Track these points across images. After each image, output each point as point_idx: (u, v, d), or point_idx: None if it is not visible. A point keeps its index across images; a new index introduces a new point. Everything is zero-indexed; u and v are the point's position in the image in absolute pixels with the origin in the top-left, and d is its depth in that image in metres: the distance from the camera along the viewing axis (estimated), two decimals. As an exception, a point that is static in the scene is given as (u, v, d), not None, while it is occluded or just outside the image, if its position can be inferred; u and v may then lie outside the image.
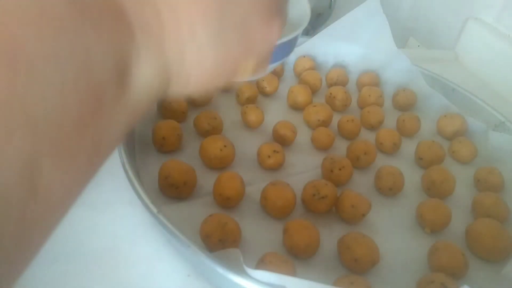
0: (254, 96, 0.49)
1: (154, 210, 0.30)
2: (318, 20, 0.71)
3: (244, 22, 0.19)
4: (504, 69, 0.63)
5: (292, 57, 0.58)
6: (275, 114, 0.49)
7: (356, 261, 0.32)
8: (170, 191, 0.35)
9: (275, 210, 0.35)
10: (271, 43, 0.21)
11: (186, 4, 0.17)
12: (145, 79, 0.16)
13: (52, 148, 0.12)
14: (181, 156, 0.41)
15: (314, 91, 0.53)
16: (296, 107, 0.51)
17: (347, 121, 0.47)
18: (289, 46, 0.31)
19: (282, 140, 0.44)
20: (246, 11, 0.18)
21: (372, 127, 0.50)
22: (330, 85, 0.56)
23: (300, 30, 0.31)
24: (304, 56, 0.57)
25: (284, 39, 0.29)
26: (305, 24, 0.32)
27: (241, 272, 0.26)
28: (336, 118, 0.49)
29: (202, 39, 0.18)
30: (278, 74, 0.55)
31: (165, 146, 0.40)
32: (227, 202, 0.35)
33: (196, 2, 0.17)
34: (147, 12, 0.16)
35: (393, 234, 0.37)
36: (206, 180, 0.38)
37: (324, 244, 0.34)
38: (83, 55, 0.13)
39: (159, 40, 0.16)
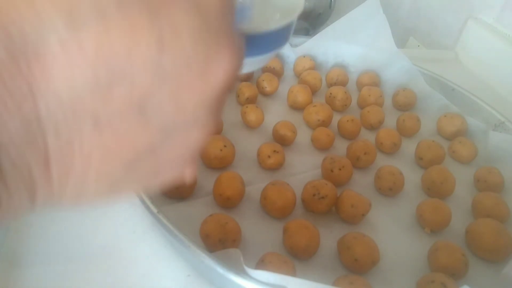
0: (254, 96, 0.49)
1: (154, 210, 0.30)
2: (318, 20, 0.71)
3: (151, 176, 0.16)
4: (504, 69, 0.63)
5: (292, 57, 0.59)
6: (275, 114, 0.49)
7: (356, 261, 0.32)
8: (170, 191, 0.35)
9: (275, 210, 0.35)
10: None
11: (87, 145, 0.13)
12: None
13: None
14: (181, 156, 0.41)
15: (314, 91, 0.53)
16: (296, 107, 0.51)
17: (347, 121, 0.47)
18: (284, 34, 0.30)
19: (282, 140, 0.44)
20: (159, 167, 0.15)
21: (372, 127, 0.50)
22: (330, 85, 0.56)
23: (294, 17, 0.30)
24: (304, 56, 0.57)
25: (277, 27, 0.28)
26: (299, 10, 0.31)
27: (241, 272, 0.26)
28: (336, 118, 0.49)
29: (88, 192, 0.14)
30: (278, 74, 0.55)
31: (165, 146, 0.40)
32: (227, 202, 0.35)
33: (102, 145, 0.13)
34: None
35: (393, 234, 0.37)
36: (206, 180, 0.38)
37: (324, 244, 0.34)
38: None
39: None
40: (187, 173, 0.18)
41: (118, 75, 0.12)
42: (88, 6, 0.11)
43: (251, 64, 0.31)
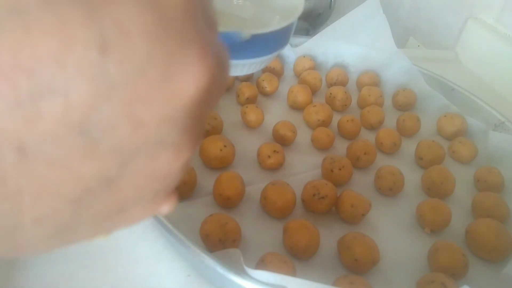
0: (254, 96, 0.49)
1: (154, 210, 0.30)
2: (318, 20, 0.71)
3: (113, 213, 0.13)
4: (504, 69, 0.63)
5: (292, 57, 0.59)
6: (275, 114, 0.49)
7: (356, 261, 0.32)
8: (170, 191, 0.35)
9: (275, 210, 0.35)
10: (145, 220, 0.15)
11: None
12: None
13: None
14: (181, 156, 0.41)
15: (314, 91, 0.53)
16: (296, 107, 0.51)
17: (347, 121, 0.47)
18: (285, 35, 0.30)
19: (282, 140, 0.44)
20: (122, 201, 0.12)
21: (372, 127, 0.50)
22: (330, 85, 0.56)
23: (294, 18, 0.30)
24: (304, 56, 0.57)
25: (277, 28, 0.28)
26: (299, 11, 0.30)
27: (241, 272, 0.26)
28: (336, 118, 0.49)
29: (28, 238, 0.11)
30: (278, 74, 0.55)
31: (165, 146, 0.40)
32: (227, 202, 0.35)
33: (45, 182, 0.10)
34: None
35: (393, 234, 0.37)
36: (206, 180, 0.38)
37: (324, 244, 0.34)
38: None
39: None
40: (164, 208, 0.15)
41: (45, 87, 0.09)
42: (1, 1, 0.08)
43: (252, 66, 0.31)
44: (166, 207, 0.15)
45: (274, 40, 0.29)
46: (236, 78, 0.54)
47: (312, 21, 0.71)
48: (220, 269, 0.27)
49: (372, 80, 0.56)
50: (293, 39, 0.60)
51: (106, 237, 0.15)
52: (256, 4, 0.34)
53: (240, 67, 0.30)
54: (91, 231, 0.13)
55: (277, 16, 0.32)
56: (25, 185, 0.10)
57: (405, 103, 0.54)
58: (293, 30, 0.31)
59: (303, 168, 0.43)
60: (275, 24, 0.28)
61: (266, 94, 0.53)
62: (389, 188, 0.40)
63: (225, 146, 0.39)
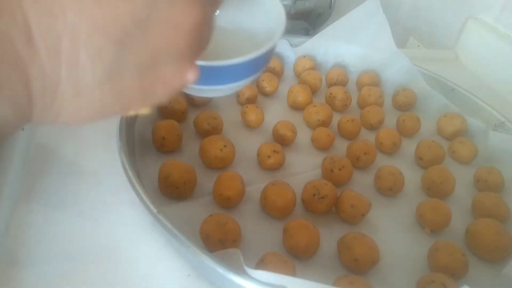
0: (254, 96, 0.49)
1: (154, 210, 0.30)
2: (318, 20, 0.71)
3: (149, 65, 0.15)
4: (504, 69, 0.63)
5: (292, 57, 0.59)
6: (275, 114, 0.49)
7: (356, 261, 0.32)
8: (170, 191, 0.35)
9: (275, 210, 0.35)
10: (177, 90, 0.18)
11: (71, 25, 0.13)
12: None
13: None
14: (181, 156, 0.41)
15: (314, 91, 0.53)
16: (296, 107, 0.51)
17: (347, 121, 0.47)
18: (263, 60, 0.29)
19: (282, 140, 0.44)
20: (154, 51, 0.15)
21: (372, 127, 0.50)
22: (330, 85, 0.56)
23: (272, 43, 0.28)
24: (304, 56, 0.57)
25: (255, 54, 0.27)
26: (278, 35, 0.29)
27: (241, 272, 0.26)
28: (336, 118, 0.49)
29: (86, 79, 0.14)
30: (278, 74, 0.55)
31: (165, 146, 0.40)
32: (227, 202, 0.35)
33: (90, 26, 0.13)
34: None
35: (393, 234, 0.37)
36: (206, 180, 0.38)
37: (324, 244, 0.34)
38: None
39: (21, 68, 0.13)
40: (189, 76, 0.17)
41: None
42: None
43: (233, 89, 0.30)
44: (191, 75, 0.17)
45: (255, 64, 0.28)
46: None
47: (312, 21, 0.71)
48: (220, 269, 0.27)
49: (372, 80, 0.56)
50: (293, 39, 0.60)
51: (148, 111, 0.18)
52: (235, 29, 0.33)
53: (220, 91, 0.29)
54: (136, 83, 0.15)
55: (260, 38, 0.30)
56: (80, 21, 0.13)
57: (405, 103, 0.54)
58: (274, 51, 0.30)
59: (303, 168, 0.43)
60: (257, 48, 0.27)
61: (266, 94, 0.53)
62: (389, 188, 0.40)
63: (225, 146, 0.39)
